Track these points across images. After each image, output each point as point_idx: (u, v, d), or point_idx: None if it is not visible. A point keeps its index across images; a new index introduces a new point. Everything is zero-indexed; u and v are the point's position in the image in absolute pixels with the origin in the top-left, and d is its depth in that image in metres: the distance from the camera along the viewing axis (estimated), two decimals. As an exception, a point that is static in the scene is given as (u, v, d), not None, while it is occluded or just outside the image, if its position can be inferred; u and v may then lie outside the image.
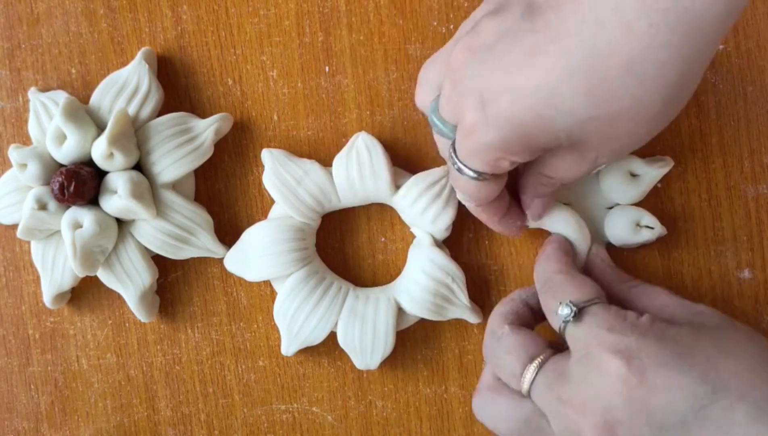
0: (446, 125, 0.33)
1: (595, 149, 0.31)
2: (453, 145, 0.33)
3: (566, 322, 0.33)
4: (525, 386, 0.33)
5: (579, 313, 0.33)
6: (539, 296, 0.36)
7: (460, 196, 0.36)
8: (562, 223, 0.38)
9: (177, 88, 0.41)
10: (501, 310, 0.37)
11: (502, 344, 0.35)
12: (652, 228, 0.38)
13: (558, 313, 0.33)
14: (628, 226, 0.38)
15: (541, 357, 0.33)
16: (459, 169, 0.33)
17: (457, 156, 0.33)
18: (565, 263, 0.36)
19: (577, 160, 0.32)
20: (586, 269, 0.38)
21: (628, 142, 0.31)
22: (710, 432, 0.29)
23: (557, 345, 0.34)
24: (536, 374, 0.33)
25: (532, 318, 0.37)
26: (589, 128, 0.30)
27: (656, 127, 0.31)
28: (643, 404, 0.30)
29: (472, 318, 0.39)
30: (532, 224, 0.38)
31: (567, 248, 0.38)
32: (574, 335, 0.33)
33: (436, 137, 0.36)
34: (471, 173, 0.33)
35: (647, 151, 0.40)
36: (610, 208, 0.39)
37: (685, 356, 0.31)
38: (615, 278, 0.37)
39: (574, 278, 0.35)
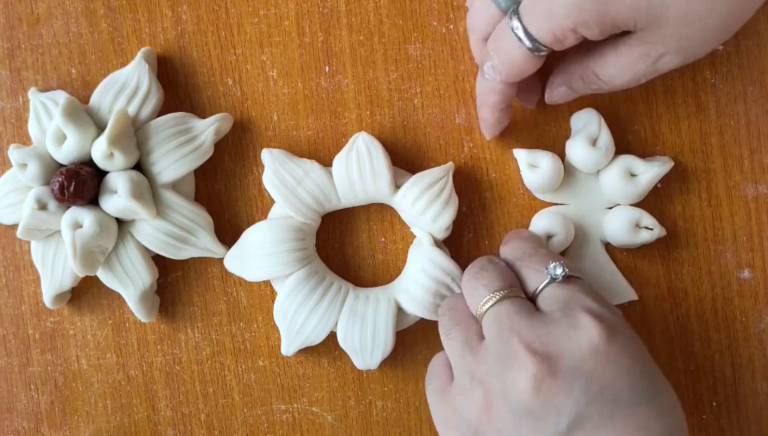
0: None
1: (665, 43, 0.32)
2: (515, 8, 0.34)
3: (554, 279, 0.34)
4: (483, 309, 0.34)
5: (568, 277, 0.34)
6: (518, 264, 0.36)
7: (488, 68, 0.36)
8: (548, 221, 0.38)
9: (177, 88, 0.41)
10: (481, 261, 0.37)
11: (481, 275, 0.35)
12: (651, 229, 0.38)
13: (549, 270, 0.34)
14: (628, 226, 0.38)
15: (511, 290, 0.34)
16: (516, 34, 0.33)
17: (521, 18, 0.33)
18: (542, 244, 0.38)
19: (638, 58, 0.33)
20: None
21: (697, 42, 0.32)
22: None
23: None
24: (501, 300, 0.34)
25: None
26: (670, 8, 0.31)
27: (726, 27, 0.33)
28: (590, 369, 0.31)
29: (472, 318, 0.39)
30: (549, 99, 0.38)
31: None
32: (555, 294, 0.34)
33: (479, 4, 0.36)
34: (528, 43, 0.33)
35: (647, 151, 0.40)
36: (610, 208, 0.39)
37: (645, 353, 0.33)
38: (521, 251, 0.38)
39: (555, 254, 0.36)
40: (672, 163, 0.39)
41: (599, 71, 0.35)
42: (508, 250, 0.37)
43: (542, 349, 0.31)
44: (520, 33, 0.33)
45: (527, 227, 0.39)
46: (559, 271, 0.34)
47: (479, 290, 0.35)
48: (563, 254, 0.39)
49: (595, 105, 0.40)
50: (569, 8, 0.32)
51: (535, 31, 0.33)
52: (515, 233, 0.39)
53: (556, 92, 0.37)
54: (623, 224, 0.38)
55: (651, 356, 0.33)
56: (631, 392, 0.31)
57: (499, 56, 0.35)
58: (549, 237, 0.38)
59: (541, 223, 0.39)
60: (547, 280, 0.34)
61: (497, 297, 0.34)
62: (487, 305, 0.34)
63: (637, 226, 0.38)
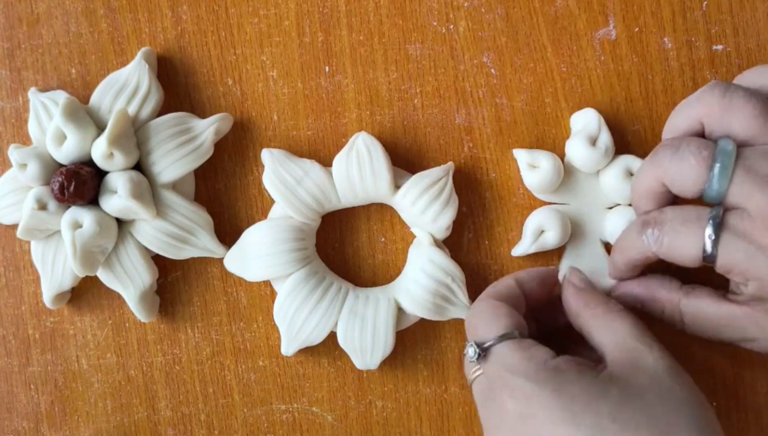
0: (722, 187, 0.32)
1: None
2: (720, 215, 0.32)
3: (472, 362, 0.34)
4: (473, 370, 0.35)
5: (484, 354, 0.34)
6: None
7: (651, 235, 0.34)
8: (541, 217, 0.38)
9: (177, 88, 0.41)
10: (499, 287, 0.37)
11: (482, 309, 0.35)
12: None
13: (465, 353, 0.34)
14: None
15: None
16: (705, 239, 0.32)
17: (720, 232, 0.32)
18: (497, 290, 0.36)
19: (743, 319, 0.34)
20: (563, 299, 0.38)
21: None
22: None
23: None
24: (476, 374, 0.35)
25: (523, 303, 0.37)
26: None
27: None
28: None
29: (472, 318, 0.39)
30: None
31: (526, 276, 0.38)
32: (485, 370, 0.34)
33: (683, 169, 0.33)
34: (708, 251, 0.32)
35: (647, 151, 0.40)
36: (610, 208, 0.39)
37: (575, 414, 0.30)
38: (582, 304, 0.36)
39: (488, 308, 0.35)
40: (672, 163, 0.38)
41: (689, 314, 0.35)
42: None
43: (492, 426, 0.33)
44: (708, 243, 0.32)
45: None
46: (470, 353, 0.34)
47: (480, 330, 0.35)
48: (561, 251, 0.39)
49: (595, 105, 0.40)
50: None
51: (722, 258, 0.32)
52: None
53: (621, 294, 0.37)
54: (623, 224, 0.38)
55: (587, 401, 0.31)
56: None
57: (671, 238, 0.33)
58: (541, 232, 0.39)
59: (534, 219, 0.39)
60: (470, 362, 0.35)
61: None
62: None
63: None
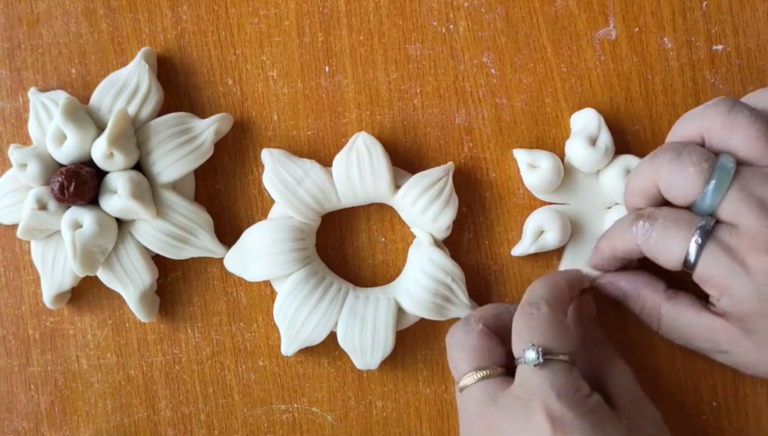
0: (714, 201, 0.33)
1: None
2: (709, 227, 0.33)
3: (524, 364, 0.33)
4: (460, 384, 0.35)
5: (543, 363, 0.32)
6: (516, 312, 0.35)
7: (642, 228, 0.34)
8: (541, 217, 0.38)
9: (177, 88, 0.41)
10: (488, 309, 0.37)
11: (467, 339, 0.35)
12: None
13: (524, 352, 0.33)
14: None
15: (487, 371, 0.34)
16: (694, 243, 0.33)
17: (707, 239, 0.33)
18: (557, 294, 0.35)
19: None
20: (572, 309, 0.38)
21: None
22: None
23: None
24: (474, 383, 0.34)
25: (508, 331, 0.36)
26: None
27: None
28: None
29: (472, 318, 0.39)
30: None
31: (573, 280, 0.37)
32: (527, 377, 0.33)
33: (673, 168, 0.34)
34: (691, 260, 0.33)
35: (647, 151, 0.40)
36: (610, 208, 0.39)
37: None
38: (590, 331, 0.38)
39: (558, 322, 0.34)
40: (672, 163, 0.39)
41: (667, 317, 0.36)
42: (530, 287, 0.36)
43: None
44: (693, 248, 0.33)
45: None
46: (531, 356, 0.32)
47: (459, 363, 0.35)
48: (560, 251, 0.39)
49: (595, 105, 0.40)
50: None
51: (702, 267, 0.33)
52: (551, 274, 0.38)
53: (606, 283, 0.38)
54: (623, 224, 0.38)
55: None
56: None
57: (659, 234, 0.34)
58: (541, 232, 0.39)
59: (534, 219, 0.39)
60: (521, 360, 0.33)
61: (472, 379, 0.34)
62: (463, 384, 0.35)
63: (637, 226, 0.38)
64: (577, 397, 0.32)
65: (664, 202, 0.35)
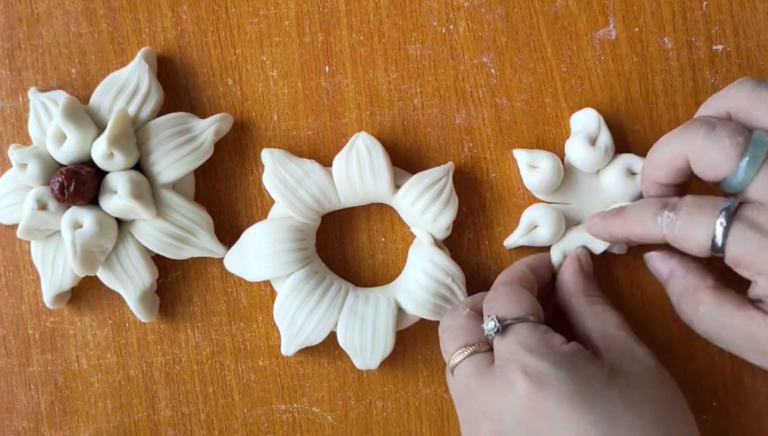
0: (748, 176, 0.32)
1: None
2: (733, 208, 0.32)
3: (489, 335, 0.34)
4: (449, 365, 0.35)
5: (503, 329, 0.34)
6: (484, 303, 0.36)
7: (666, 218, 0.34)
8: (534, 213, 0.38)
9: (177, 88, 0.41)
10: (475, 297, 0.38)
11: (454, 321, 0.36)
12: None
13: (484, 325, 0.34)
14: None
15: (474, 347, 0.35)
16: (716, 228, 0.32)
17: (731, 227, 0.32)
18: (514, 275, 0.37)
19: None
20: (560, 270, 0.38)
21: None
22: None
23: None
24: (462, 360, 0.35)
25: None
26: None
27: None
28: (531, 426, 0.31)
29: (472, 318, 0.39)
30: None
31: (536, 263, 0.38)
32: (497, 347, 0.34)
33: (709, 143, 0.33)
34: (718, 243, 0.32)
35: (646, 150, 0.40)
36: (609, 207, 0.39)
37: (587, 397, 0.31)
38: (581, 287, 0.38)
39: (512, 291, 0.36)
40: (672, 163, 0.39)
41: (704, 315, 0.35)
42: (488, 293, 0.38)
43: (490, 411, 0.32)
44: (719, 230, 0.32)
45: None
46: (490, 325, 0.34)
47: (448, 344, 0.36)
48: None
49: (595, 105, 0.40)
50: None
51: (731, 248, 0.32)
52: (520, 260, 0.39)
53: (656, 257, 0.37)
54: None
55: (602, 391, 0.32)
56: None
57: (684, 221, 0.33)
58: (534, 227, 0.39)
59: (529, 213, 0.39)
60: (487, 336, 0.35)
61: (461, 356, 0.35)
62: (453, 363, 0.35)
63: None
64: (547, 348, 0.33)
65: (687, 178, 0.35)
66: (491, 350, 0.35)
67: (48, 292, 0.39)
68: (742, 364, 0.40)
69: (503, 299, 0.35)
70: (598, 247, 0.38)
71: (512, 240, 0.39)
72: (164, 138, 0.38)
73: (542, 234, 0.38)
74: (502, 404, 0.32)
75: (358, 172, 0.38)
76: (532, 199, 0.40)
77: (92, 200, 0.37)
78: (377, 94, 0.40)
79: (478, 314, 0.36)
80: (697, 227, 0.33)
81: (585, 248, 0.39)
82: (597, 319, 0.36)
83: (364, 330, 0.38)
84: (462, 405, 0.35)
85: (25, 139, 0.40)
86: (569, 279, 0.38)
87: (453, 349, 0.35)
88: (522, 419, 0.31)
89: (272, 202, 0.40)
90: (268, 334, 0.40)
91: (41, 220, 0.37)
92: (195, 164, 0.39)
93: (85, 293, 0.41)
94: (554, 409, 0.31)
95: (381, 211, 0.40)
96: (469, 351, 0.35)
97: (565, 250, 0.39)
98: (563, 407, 0.31)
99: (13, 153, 0.37)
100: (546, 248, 0.39)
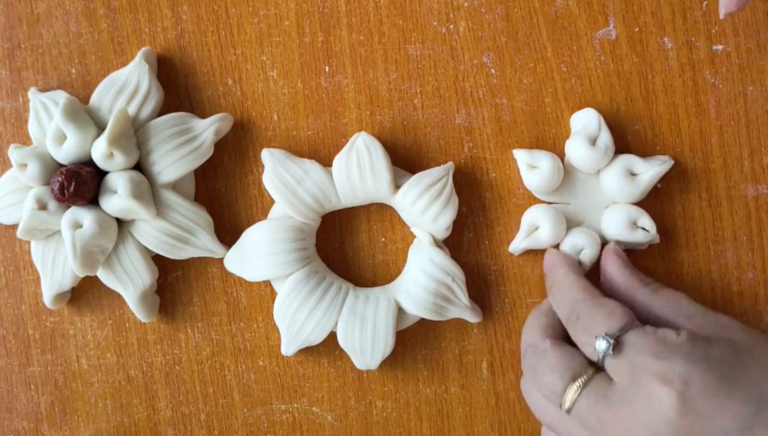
0: None
1: None
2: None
3: (606, 355, 0.32)
4: (566, 405, 0.33)
5: (617, 344, 0.32)
6: (567, 327, 0.35)
7: None
8: (535, 213, 0.38)
9: (177, 88, 0.41)
10: (537, 323, 0.36)
11: (544, 360, 0.34)
12: (647, 230, 0.38)
13: (596, 348, 0.32)
14: (625, 224, 0.38)
15: (585, 377, 0.33)
16: None
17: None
18: (584, 288, 0.35)
19: None
20: (601, 266, 0.38)
21: None
22: None
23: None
24: (579, 394, 0.32)
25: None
26: None
27: None
28: (691, 431, 0.30)
29: (472, 318, 0.39)
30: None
31: (578, 269, 0.37)
32: (616, 366, 0.32)
33: None
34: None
35: (647, 151, 0.40)
36: (608, 207, 0.39)
37: (729, 378, 0.30)
38: (636, 279, 0.37)
39: (600, 304, 0.34)
40: (672, 162, 0.39)
41: None
42: (555, 305, 0.36)
43: (640, 432, 0.30)
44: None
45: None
46: (603, 346, 0.32)
47: (551, 386, 0.33)
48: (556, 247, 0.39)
49: (595, 105, 0.40)
50: None
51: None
52: (552, 278, 0.38)
53: None
54: (620, 222, 0.38)
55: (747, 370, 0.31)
56: None
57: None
58: (535, 228, 0.39)
59: (529, 215, 0.39)
60: (600, 357, 0.32)
61: (575, 392, 0.32)
62: (567, 404, 0.33)
63: (635, 224, 0.38)
64: (670, 346, 0.31)
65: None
66: (598, 370, 0.33)
67: (48, 292, 0.39)
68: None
69: (597, 316, 0.33)
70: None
71: (516, 245, 0.39)
72: (164, 138, 0.38)
73: (543, 235, 0.38)
74: (653, 420, 0.30)
75: (358, 172, 0.38)
76: (532, 199, 0.40)
77: (92, 200, 0.37)
78: (377, 94, 0.40)
79: (560, 341, 0.35)
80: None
81: (616, 242, 0.38)
82: (669, 302, 0.35)
83: (364, 330, 0.38)
84: (598, 434, 0.32)
85: (25, 139, 0.40)
86: (621, 275, 0.37)
87: (561, 387, 0.33)
88: (679, 427, 0.30)
89: (272, 202, 0.40)
90: (268, 334, 0.40)
91: (41, 220, 0.37)
92: (195, 164, 0.39)
93: (85, 293, 0.40)
94: (707, 404, 0.30)
95: (381, 211, 0.40)
96: (580, 382, 0.32)
97: (570, 249, 0.39)
98: (715, 398, 0.30)
99: (13, 153, 0.37)
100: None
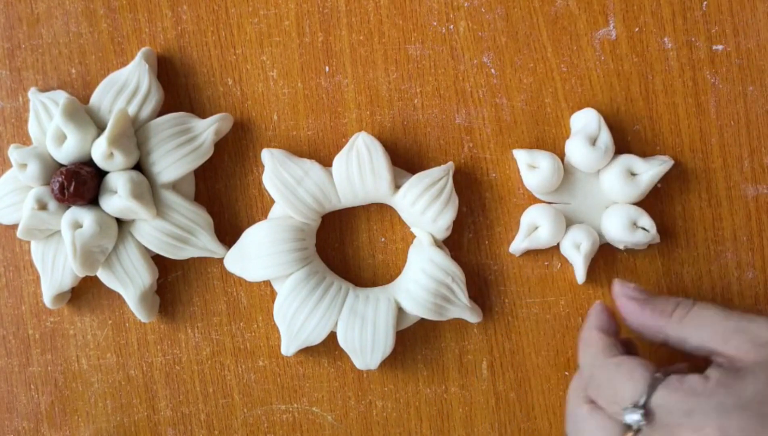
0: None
1: None
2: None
3: (640, 427, 0.31)
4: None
5: (646, 413, 0.31)
6: (591, 397, 0.33)
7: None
8: (535, 213, 0.38)
9: (177, 88, 0.41)
10: (576, 385, 0.35)
11: (585, 430, 0.33)
12: (647, 230, 0.38)
13: (627, 421, 0.31)
14: (625, 224, 0.38)
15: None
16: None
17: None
18: (602, 348, 0.34)
19: None
20: (620, 314, 0.35)
21: None
22: None
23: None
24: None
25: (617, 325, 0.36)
26: None
27: None
28: None
29: (472, 318, 0.39)
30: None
31: (605, 324, 0.35)
32: (651, 428, 0.31)
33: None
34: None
35: (647, 151, 0.40)
36: (608, 207, 0.39)
37: (764, 406, 0.30)
38: (656, 315, 0.34)
39: (618, 366, 0.32)
40: (672, 162, 0.39)
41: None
42: (581, 364, 0.35)
43: None
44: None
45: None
46: (635, 418, 0.31)
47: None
48: (558, 252, 0.39)
49: (595, 105, 0.40)
50: None
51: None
52: (582, 332, 0.36)
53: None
54: (620, 222, 0.38)
55: None
56: None
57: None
58: (535, 228, 0.39)
59: (528, 215, 0.39)
60: (635, 429, 0.31)
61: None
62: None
63: (635, 225, 0.38)
64: (701, 397, 0.30)
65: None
66: (636, 431, 0.31)
67: (48, 292, 0.39)
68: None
69: (613, 380, 0.32)
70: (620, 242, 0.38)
71: (516, 245, 0.39)
72: (164, 138, 0.38)
73: (543, 234, 0.38)
74: None
75: (358, 172, 0.38)
76: (532, 200, 0.40)
77: (92, 200, 0.37)
78: (377, 94, 0.40)
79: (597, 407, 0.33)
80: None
81: (618, 281, 0.36)
82: (701, 327, 0.33)
83: (364, 330, 0.38)
84: None
85: (25, 139, 0.40)
86: (642, 317, 0.34)
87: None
88: None
89: (272, 202, 0.40)
90: (268, 334, 0.40)
91: (41, 220, 0.37)
92: (195, 164, 0.39)
93: (85, 293, 0.40)
94: None
95: (381, 211, 0.40)
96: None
97: (570, 245, 0.38)
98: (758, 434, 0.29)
99: (13, 153, 0.37)
100: (553, 253, 0.39)
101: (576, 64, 0.40)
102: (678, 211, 0.40)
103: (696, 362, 0.33)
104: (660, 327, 0.34)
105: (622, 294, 0.35)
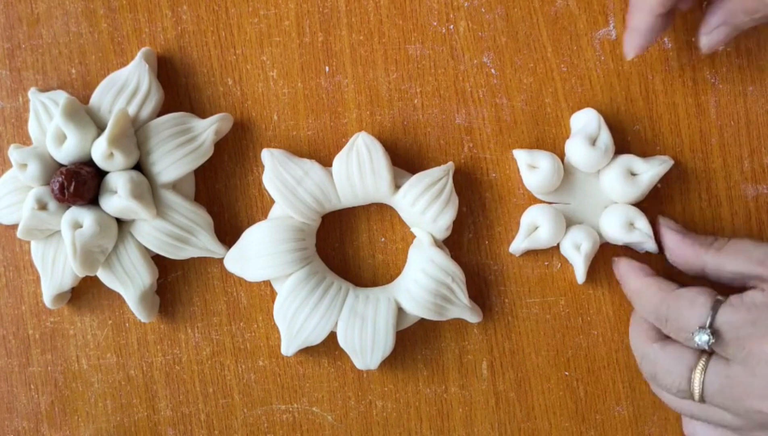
0: None
1: None
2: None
3: (711, 345, 0.33)
4: (696, 397, 0.34)
5: (714, 332, 0.33)
6: (663, 331, 0.36)
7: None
8: (535, 213, 0.38)
9: (177, 88, 0.41)
10: (639, 330, 0.37)
11: (659, 365, 0.35)
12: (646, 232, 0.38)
13: (698, 344, 0.34)
14: (622, 224, 0.38)
15: (701, 366, 0.34)
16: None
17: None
18: (658, 288, 0.36)
19: None
20: (663, 245, 0.38)
21: None
22: None
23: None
24: (702, 384, 0.34)
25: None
26: None
27: None
28: None
29: (472, 318, 0.39)
30: (706, 45, 0.37)
31: (646, 269, 0.38)
32: (724, 348, 0.33)
33: None
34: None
35: (647, 151, 0.40)
36: (607, 207, 0.39)
37: None
38: (696, 246, 0.37)
39: (679, 297, 0.35)
40: (672, 162, 0.39)
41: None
42: (642, 314, 0.37)
43: None
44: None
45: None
46: (704, 340, 0.33)
47: (672, 384, 0.35)
48: (558, 253, 0.39)
49: (595, 105, 0.40)
50: None
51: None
52: (632, 295, 0.38)
53: (715, 34, 0.36)
54: (617, 221, 0.38)
55: None
56: None
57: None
58: (535, 228, 0.39)
59: (528, 215, 0.39)
60: (707, 348, 0.34)
61: (698, 387, 0.34)
62: (697, 396, 0.34)
63: (632, 225, 0.38)
64: (761, 307, 0.33)
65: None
66: (710, 354, 0.34)
67: (48, 292, 0.39)
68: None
69: (678, 310, 0.35)
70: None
71: (516, 245, 0.39)
72: (164, 138, 0.38)
73: (543, 235, 0.38)
74: None
75: (358, 172, 0.38)
76: (532, 199, 0.40)
77: (92, 200, 0.37)
78: (377, 94, 0.40)
79: (665, 340, 0.36)
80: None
81: (662, 217, 0.39)
82: (738, 255, 0.36)
83: (364, 330, 0.38)
84: (738, 413, 0.34)
85: (25, 139, 0.40)
86: (683, 247, 0.37)
87: (684, 385, 0.34)
88: None
89: (272, 202, 0.40)
90: (268, 334, 0.40)
91: (41, 220, 0.37)
92: (195, 164, 0.39)
93: (85, 293, 0.41)
94: None
95: (381, 211, 0.40)
96: (700, 374, 0.34)
97: (571, 245, 0.39)
98: None
99: (13, 153, 0.37)
100: (553, 253, 0.39)
101: (576, 64, 0.40)
102: (678, 211, 0.40)
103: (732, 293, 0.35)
104: (699, 256, 0.37)
105: (666, 226, 0.38)
